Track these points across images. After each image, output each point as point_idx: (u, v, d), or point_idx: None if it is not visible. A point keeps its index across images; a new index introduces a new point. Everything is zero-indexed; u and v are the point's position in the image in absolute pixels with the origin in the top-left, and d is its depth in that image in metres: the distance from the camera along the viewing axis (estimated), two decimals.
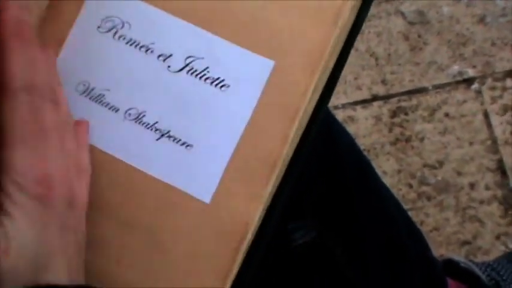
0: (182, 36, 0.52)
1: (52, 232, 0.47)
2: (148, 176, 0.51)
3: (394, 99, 1.23)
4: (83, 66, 0.53)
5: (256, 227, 0.51)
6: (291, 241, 0.66)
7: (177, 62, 0.52)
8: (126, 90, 0.52)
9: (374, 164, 0.88)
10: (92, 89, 0.52)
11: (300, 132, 0.52)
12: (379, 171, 1.01)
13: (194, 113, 0.51)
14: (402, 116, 1.23)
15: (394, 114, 1.23)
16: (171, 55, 0.52)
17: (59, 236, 0.47)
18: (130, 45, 0.52)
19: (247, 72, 0.51)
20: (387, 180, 1.20)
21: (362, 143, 1.22)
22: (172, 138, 0.51)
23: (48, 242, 0.47)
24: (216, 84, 0.51)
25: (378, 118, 1.23)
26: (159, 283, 0.51)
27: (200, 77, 0.51)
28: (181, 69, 0.52)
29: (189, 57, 0.52)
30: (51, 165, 0.47)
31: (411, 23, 1.24)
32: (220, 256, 0.50)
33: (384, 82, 1.23)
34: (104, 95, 0.52)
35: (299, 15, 0.51)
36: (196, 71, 0.51)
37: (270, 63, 0.51)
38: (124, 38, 0.52)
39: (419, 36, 1.23)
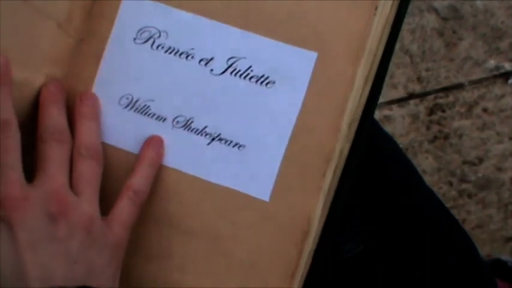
0: (221, 38, 0.51)
1: None
2: (204, 182, 0.51)
3: (431, 97, 1.21)
4: (124, 80, 0.52)
5: (319, 222, 0.50)
6: (340, 253, 0.65)
7: (219, 65, 0.51)
8: (171, 99, 0.52)
9: (413, 163, 0.87)
10: (136, 101, 0.52)
11: (355, 125, 0.51)
12: (418, 170, 0.99)
13: (242, 113, 0.51)
14: (439, 113, 1.21)
15: (431, 111, 1.21)
16: (212, 58, 0.51)
17: None
18: (170, 53, 0.52)
19: (290, 66, 0.50)
20: (427, 179, 1.18)
21: (400, 142, 1.20)
22: (223, 141, 0.51)
23: None
24: (261, 82, 0.51)
25: (414, 116, 1.21)
26: (229, 286, 0.50)
27: (244, 77, 0.51)
28: (224, 71, 0.51)
29: (231, 58, 0.51)
30: None
31: (445, 19, 1.22)
32: (285, 254, 0.50)
33: (419, 80, 1.22)
34: (149, 106, 0.52)
35: (336, 5, 0.50)
36: (239, 71, 0.51)
37: (313, 55, 0.50)
38: (162, 47, 0.52)
39: (453, 31, 1.22)
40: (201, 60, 0.51)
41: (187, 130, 0.51)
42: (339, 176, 0.51)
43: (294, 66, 0.50)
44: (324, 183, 0.50)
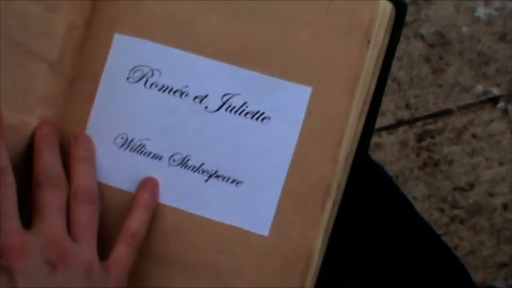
0: (215, 76, 0.51)
1: None
2: (203, 219, 0.50)
3: (420, 123, 1.21)
4: (118, 119, 0.52)
5: (320, 256, 0.50)
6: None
7: (214, 102, 0.51)
8: (166, 137, 0.51)
9: (403, 190, 0.87)
10: (132, 140, 0.51)
11: (351, 159, 0.51)
12: (409, 197, 0.98)
13: (239, 149, 0.50)
14: (429, 140, 1.21)
15: (420, 138, 1.21)
16: (206, 95, 0.51)
17: None
18: (164, 91, 0.51)
19: (285, 101, 0.50)
20: (418, 206, 1.17)
21: (390, 169, 1.20)
22: (221, 178, 0.50)
23: None
24: (257, 118, 0.50)
25: (404, 143, 1.21)
26: None
27: (240, 113, 0.51)
28: (219, 108, 0.51)
29: (226, 94, 0.51)
30: None
31: (431, 45, 1.22)
32: (288, 286, 0.49)
33: (407, 106, 1.21)
34: (144, 145, 0.51)
35: (329, 38, 0.50)
36: (234, 107, 0.51)
37: (307, 90, 0.50)
38: (156, 86, 0.51)
39: (440, 58, 1.22)
40: (195, 98, 0.51)
41: (184, 168, 0.51)
42: (337, 208, 0.51)
43: (288, 101, 0.50)
44: (323, 216, 0.49)
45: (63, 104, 0.52)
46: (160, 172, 0.51)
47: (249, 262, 0.50)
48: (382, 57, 0.51)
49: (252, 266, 0.50)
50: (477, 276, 1.17)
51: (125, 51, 0.52)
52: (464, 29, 1.23)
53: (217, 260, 0.50)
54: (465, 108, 1.21)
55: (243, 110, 0.51)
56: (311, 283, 0.50)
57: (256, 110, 0.51)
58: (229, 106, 0.51)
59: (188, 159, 0.51)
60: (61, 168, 0.50)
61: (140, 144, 0.51)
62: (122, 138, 0.51)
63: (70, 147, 0.51)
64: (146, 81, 0.52)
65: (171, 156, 0.51)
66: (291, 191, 0.50)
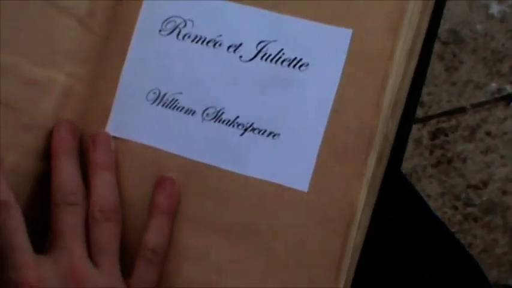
0: (249, 22, 0.49)
1: None
2: (238, 175, 0.48)
3: (433, 121, 1.20)
4: (150, 74, 0.50)
5: (365, 213, 0.47)
6: None
7: (248, 50, 0.49)
8: (200, 90, 0.49)
9: (417, 187, 0.86)
10: (164, 95, 0.49)
11: (400, 109, 0.48)
12: (422, 195, 0.98)
13: (275, 99, 0.48)
14: (442, 138, 1.20)
15: (434, 136, 1.20)
16: (241, 44, 0.49)
17: None
18: (197, 42, 0.49)
19: (324, 46, 0.47)
20: (431, 204, 1.17)
21: (404, 167, 1.19)
22: (257, 131, 0.48)
23: None
24: (294, 65, 0.48)
25: (418, 141, 1.20)
26: (268, 285, 0.47)
27: (276, 61, 0.48)
28: (254, 57, 0.48)
29: (261, 42, 0.48)
30: None
31: (445, 43, 1.22)
32: (328, 247, 0.46)
33: (421, 104, 1.20)
34: (177, 100, 0.49)
35: None
36: (270, 55, 0.48)
37: (347, 32, 0.47)
38: (189, 37, 0.49)
39: (454, 55, 1.21)
40: (229, 47, 0.49)
41: (218, 122, 0.48)
42: (385, 165, 0.48)
43: (328, 45, 0.47)
44: (366, 168, 0.46)
45: (95, 63, 0.50)
46: (194, 127, 0.49)
47: (287, 220, 0.47)
48: (431, 5, 0.48)
49: (291, 225, 0.47)
50: (491, 275, 1.16)
51: (157, 3, 0.50)
52: (478, 27, 1.23)
53: (253, 219, 0.47)
54: (479, 106, 1.21)
55: (280, 58, 0.48)
56: (355, 242, 0.47)
57: (293, 57, 0.48)
58: (265, 54, 0.48)
59: (222, 113, 0.48)
60: (79, 180, 0.48)
61: (173, 99, 0.49)
62: (154, 93, 0.49)
63: (88, 150, 0.49)
64: (179, 32, 0.50)
65: (205, 110, 0.49)
66: (331, 141, 0.47)
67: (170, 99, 0.49)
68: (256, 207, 0.47)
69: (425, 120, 1.21)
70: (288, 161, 0.47)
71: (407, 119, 0.50)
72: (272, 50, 0.48)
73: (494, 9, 1.22)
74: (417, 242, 0.70)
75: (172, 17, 0.50)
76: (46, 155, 0.49)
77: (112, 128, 0.50)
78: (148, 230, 0.48)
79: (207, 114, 0.49)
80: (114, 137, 0.50)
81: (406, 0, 0.47)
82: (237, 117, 0.48)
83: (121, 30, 0.51)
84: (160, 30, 0.50)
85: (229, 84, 0.49)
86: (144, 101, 0.50)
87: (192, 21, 0.50)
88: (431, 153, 1.20)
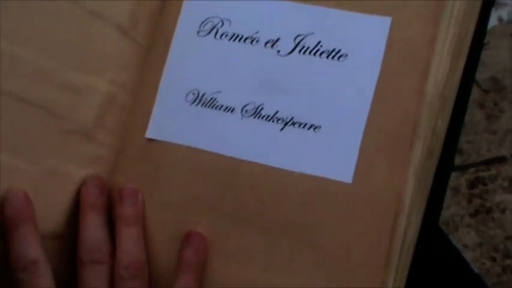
0: (285, 17, 0.48)
1: None
2: (280, 171, 0.46)
3: (472, 170, 1.18)
4: (189, 75, 0.49)
5: (413, 205, 0.45)
6: None
7: (286, 45, 0.48)
8: (238, 87, 0.48)
9: (454, 237, 0.84)
10: (203, 95, 0.49)
11: (450, 104, 0.47)
12: (459, 245, 0.97)
13: (315, 92, 0.47)
14: (481, 187, 1.18)
15: (472, 185, 1.18)
16: (278, 39, 0.48)
17: None
18: (234, 40, 0.49)
19: (363, 35, 0.46)
20: (469, 254, 1.14)
21: (441, 215, 1.17)
22: (297, 125, 0.47)
23: None
24: (333, 57, 0.47)
25: (456, 189, 1.18)
26: (316, 283, 0.45)
27: (314, 54, 0.47)
28: (292, 51, 0.47)
29: (298, 36, 0.48)
30: None
31: (486, 91, 1.21)
32: (375, 240, 0.44)
33: (460, 152, 1.19)
34: (215, 99, 0.48)
35: None
36: (308, 48, 0.47)
37: (386, 21, 0.46)
38: (226, 35, 0.49)
39: (495, 104, 1.20)
40: (266, 43, 0.48)
41: (258, 118, 0.47)
42: (436, 160, 0.46)
43: (366, 35, 0.46)
44: (412, 156, 0.44)
45: (137, 71, 0.50)
46: (233, 125, 0.48)
47: (332, 214, 0.45)
48: None
49: (337, 218, 0.45)
50: None
51: (195, 6, 0.50)
52: None
53: (298, 214, 0.46)
54: None
55: (318, 50, 0.47)
56: (406, 240, 0.45)
57: (331, 49, 0.47)
58: (303, 47, 0.47)
59: (262, 108, 0.47)
60: (104, 236, 0.48)
61: (212, 98, 0.48)
62: (193, 94, 0.49)
63: (116, 203, 0.49)
64: (216, 32, 0.49)
65: (244, 107, 0.48)
66: (374, 131, 0.45)
67: (209, 98, 0.49)
68: (300, 202, 0.46)
69: (464, 168, 1.19)
70: (331, 153, 0.46)
71: (445, 167, 0.49)
72: (310, 42, 0.47)
73: None
74: None
75: (209, 17, 0.50)
76: (85, 163, 0.49)
77: (151, 132, 0.50)
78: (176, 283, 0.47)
79: (246, 110, 0.48)
80: (152, 140, 0.50)
81: None
82: (277, 112, 0.47)
83: (161, 38, 0.51)
84: (198, 32, 0.50)
85: (268, 80, 0.48)
86: (183, 102, 0.49)
87: (229, 20, 0.49)
88: (469, 202, 1.17)
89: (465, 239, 1.16)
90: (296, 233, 0.46)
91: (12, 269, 0.45)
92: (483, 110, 1.20)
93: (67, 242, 0.48)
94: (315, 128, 0.47)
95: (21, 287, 0.44)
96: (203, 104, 0.49)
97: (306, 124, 0.47)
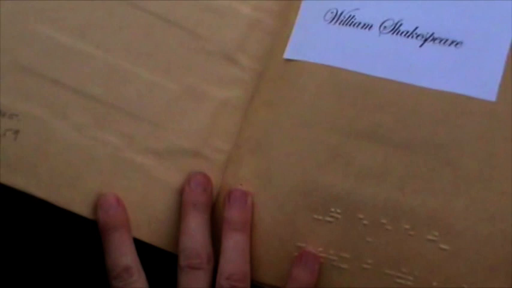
0: None
1: None
2: (418, 88, 0.44)
3: None
4: None
5: None
6: None
7: None
8: (376, 4, 0.47)
9: None
10: (341, 13, 0.48)
11: None
12: None
13: (456, 6, 0.45)
14: None
15: None
16: None
17: None
18: None
19: None
20: None
21: None
22: (437, 40, 0.45)
23: None
24: None
25: None
26: (455, 204, 0.43)
27: None
28: None
29: None
30: None
31: None
32: None
33: None
34: (354, 16, 0.47)
35: None
36: None
37: None
38: None
39: None
40: None
41: (396, 34, 0.46)
42: None
43: None
44: None
45: None
46: (371, 41, 0.46)
47: (474, 133, 0.43)
48: None
49: (479, 137, 0.43)
50: None
51: None
52: None
53: (437, 132, 0.44)
54: None
55: None
56: None
57: None
58: None
59: (400, 24, 0.46)
60: (204, 240, 0.46)
61: (350, 16, 0.47)
62: (332, 13, 0.48)
63: (225, 206, 0.47)
64: None
65: (382, 23, 0.46)
66: None
67: (347, 16, 0.47)
68: (438, 119, 0.44)
69: None
70: (473, 69, 0.43)
71: None
72: None
73: None
74: None
75: None
76: (225, 84, 0.50)
77: (290, 52, 0.49)
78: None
79: (385, 27, 0.46)
80: (291, 60, 0.49)
81: None
82: (416, 27, 0.45)
83: None
84: None
85: None
86: (321, 21, 0.48)
87: None
88: None
89: None
90: (434, 152, 0.44)
91: (108, 276, 0.45)
92: None
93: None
94: (456, 43, 0.44)
95: None
96: (341, 22, 0.48)
97: (446, 40, 0.45)
